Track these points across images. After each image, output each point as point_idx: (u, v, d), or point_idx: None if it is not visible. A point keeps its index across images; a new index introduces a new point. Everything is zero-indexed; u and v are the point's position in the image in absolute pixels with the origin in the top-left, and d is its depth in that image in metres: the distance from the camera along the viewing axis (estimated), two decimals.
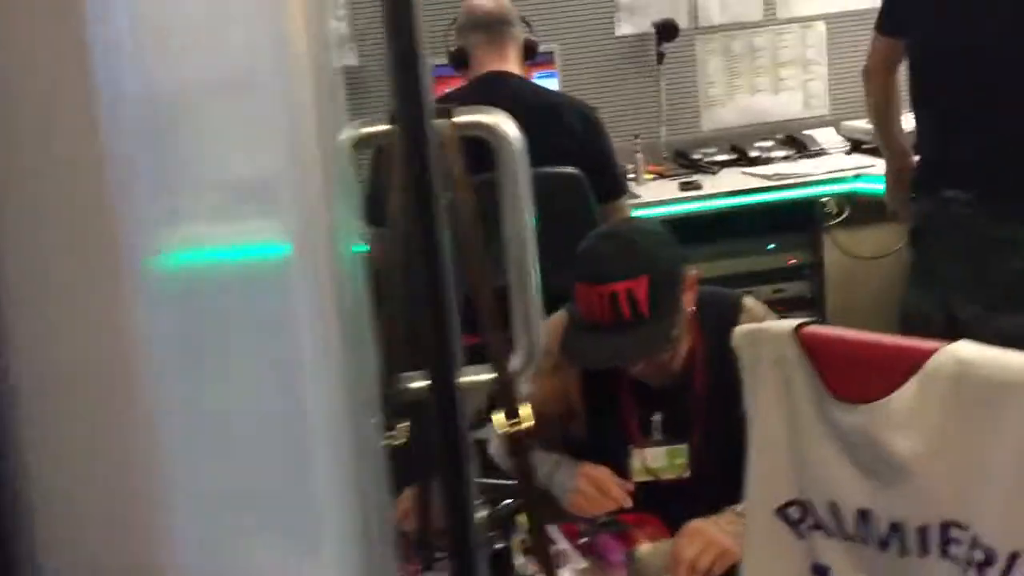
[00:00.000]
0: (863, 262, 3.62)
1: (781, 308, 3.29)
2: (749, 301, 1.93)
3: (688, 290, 1.82)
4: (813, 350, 1.23)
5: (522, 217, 1.01)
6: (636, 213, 3.05)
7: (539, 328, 1.02)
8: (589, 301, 1.72)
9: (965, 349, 1.16)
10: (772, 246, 3.26)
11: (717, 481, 1.85)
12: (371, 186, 2.22)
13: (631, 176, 3.43)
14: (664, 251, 1.78)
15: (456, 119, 0.98)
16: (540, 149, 2.58)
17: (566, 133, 2.54)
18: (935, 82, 2.29)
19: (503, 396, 1.08)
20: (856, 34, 3.63)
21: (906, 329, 2.54)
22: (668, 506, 1.90)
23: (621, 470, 1.89)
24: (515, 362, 1.03)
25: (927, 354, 1.16)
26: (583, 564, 1.73)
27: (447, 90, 3.17)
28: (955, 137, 2.25)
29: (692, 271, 1.85)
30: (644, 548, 1.70)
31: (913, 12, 2.33)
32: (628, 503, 1.76)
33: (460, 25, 2.71)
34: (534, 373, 1.99)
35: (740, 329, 1.33)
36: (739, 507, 1.73)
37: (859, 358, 1.23)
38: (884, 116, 2.56)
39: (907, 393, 1.15)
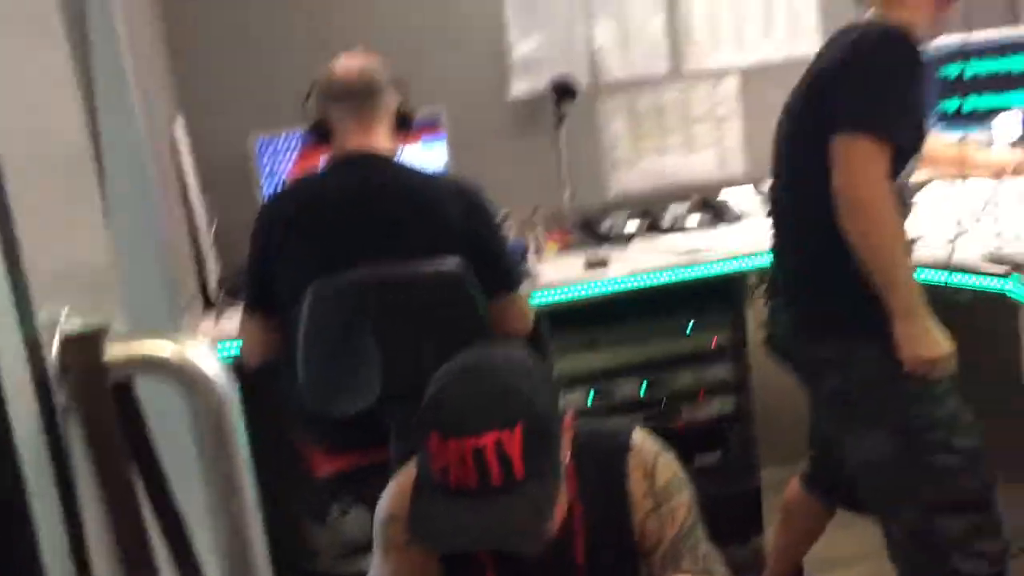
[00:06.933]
0: None
1: (699, 398, 2.95)
2: (638, 438, 1.57)
3: (565, 434, 1.46)
4: None
5: (239, 499, 0.60)
6: (539, 296, 2.67)
7: None
8: (446, 459, 1.34)
9: None
10: (690, 326, 2.90)
11: None
12: None
13: (533, 251, 3.06)
14: (541, 389, 1.41)
15: (112, 357, 0.57)
16: (413, 243, 2.23)
17: (442, 222, 2.14)
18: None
19: None
20: (769, 88, 3.34)
21: None
22: None
23: None
24: None
25: None
26: None
27: (304, 172, 2.78)
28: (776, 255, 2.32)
29: (569, 411, 1.50)
30: None
31: None
32: None
33: (320, 94, 2.29)
34: (384, 547, 1.62)
35: None
36: None
37: None
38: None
39: None
